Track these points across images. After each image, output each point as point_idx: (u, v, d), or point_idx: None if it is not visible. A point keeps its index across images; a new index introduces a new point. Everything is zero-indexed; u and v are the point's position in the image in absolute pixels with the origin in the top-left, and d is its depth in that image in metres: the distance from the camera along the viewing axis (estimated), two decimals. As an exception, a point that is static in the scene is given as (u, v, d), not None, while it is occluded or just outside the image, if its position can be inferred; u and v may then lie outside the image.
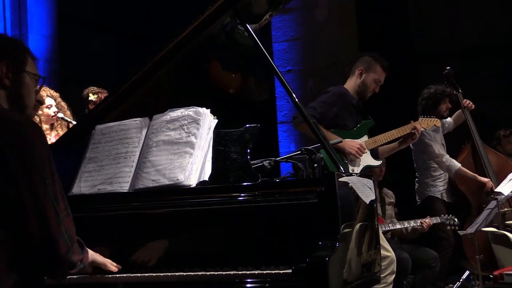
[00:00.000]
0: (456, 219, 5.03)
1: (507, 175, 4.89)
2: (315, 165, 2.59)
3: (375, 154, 4.27)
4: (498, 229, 4.73)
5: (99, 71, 7.62)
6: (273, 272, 2.16)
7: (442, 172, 5.46)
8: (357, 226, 2.36)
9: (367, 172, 4.02)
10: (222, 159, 2.51)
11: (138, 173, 2.54)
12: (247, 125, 2.53)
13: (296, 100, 2.66)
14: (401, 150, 4.51)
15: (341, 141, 3.81)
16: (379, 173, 5.14)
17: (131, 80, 2.88)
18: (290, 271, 2.12)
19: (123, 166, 2.59)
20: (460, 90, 5.52)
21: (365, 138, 4.20)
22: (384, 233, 4.68)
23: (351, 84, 4.32)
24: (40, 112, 4.66)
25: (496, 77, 7.32)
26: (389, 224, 4.98)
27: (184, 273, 2.27)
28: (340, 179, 2.27)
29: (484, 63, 7.30)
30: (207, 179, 2.46)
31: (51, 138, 4.78)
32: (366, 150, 4.12)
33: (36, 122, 4.51)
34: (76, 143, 2.93)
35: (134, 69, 2.90)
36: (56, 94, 4.89)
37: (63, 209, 1.97)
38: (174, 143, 2.55)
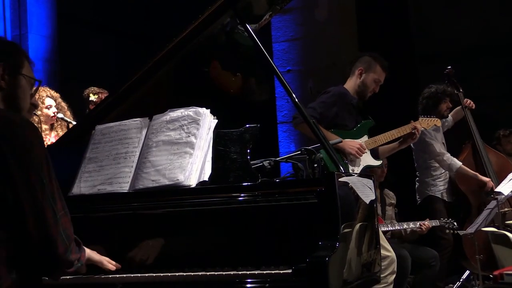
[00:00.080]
0: (455, 223, 5.03)
1: (507, 175, 4.89)
2: (315, 165, 2.59)
3: (375, 154, 4.27)
4: (498, 229, 4.73)
5: (99, 71, 7.62)
6: (273, 272, 2.16)
7: (443, 171, 5.46)
8: (357, 226, 2.36)
9: (367, 172, 4.02)
10: (222, 159, 2.51)
11: (138, 173, 2.54)
12: (247, 125, 2.53)
13: (296, 100, 2.66)
14: (401, 150, 4.51)
15: (341, 141, 3.81)
16: (380, 174, 5.14)
17: (131, 80, 2.88)
18: (290, 271, 2.12)
19: (123, 166, 2.59)
20: (461, 90, 5.52)
21: (365, 138, 4.20)
22: (383, 233, 4.67)
23: (351, 84, 4.32)
24: (39, 112, 4.66)
25: (496, 77, 7.32)
26: (388, 225, 4.98)
27: (184, 273, 2.27)
28: (340, 179, 2.27)
29: (484, 63, 7.30)
30: (207, 179, 2.46)
31: (51, 138, 4.78)
32: (366, 150, 4.12)
33: (36, 122, 4.53)
34: (76, 143, 2.94)
35: (134, 69, 2.90)
36: (56, 95, 4.88)
37: (60, 208, 1.98)
38: (174, 143, 2.55)
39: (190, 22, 2.79)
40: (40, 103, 4.70)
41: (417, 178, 5.62)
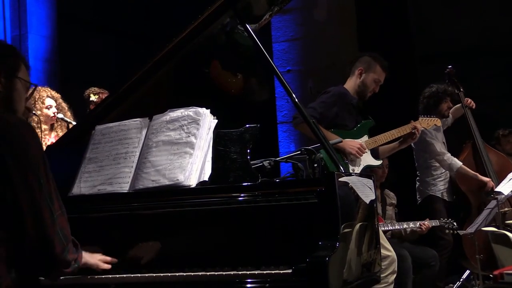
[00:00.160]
0: (455, 223, 5.03)
1: (507, 174, 4.89)
2: (315, 165, 2.59)
3: (375, 154, 4.27)
4: (498, 229, 4.73)
5: (99, 71, 7.62)
6: (273, 272, 2.16)
7: (443, 171, 5.46)
8: (357, 226, 2.36)
9: (367, 172, 4.02)
10: (222, 159, 2.51)
11: (138, 174, 2.54)
12: (247, 125, 2.53)
13: (296, 100, 2.66)
14: (402, 149, 4.51)
15: (341, 141, 3.81)
16: (381, 174, 5.14)
17: (131, 80, 2.89)
18: (290, 271, 2.12)
19: (123, 166, 2.59)
20: (461, 89, 5.52)
21: (365, 138, 4.20)
22: (384, 233, 4.68)
23: (351, 84, 4.32)
24: (39, 112, 4.67)
25: (496, 77, 7.32)
26: (389, 225, 4.98)
27: (184, 273, 2.27)
28: (340, 179, 2.27)
29: (484, 63, 7.30)
30: (207, 179, 2.46)
31: (51, 138, 4.78)
32: (367, 150, 4.12)
33: (36, 122, 4.53)
34: (76, 143, 2.94)
35: (134, 69, 2.90)
36: (57, 95, 4.89)
37: (57, 208, 1.99)
38: (174, 143, 2.55)
39: (190, 22, 2.79)
40: (40, 103, 4.71)
41: (418, 178, 5.62)
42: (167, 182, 2.46)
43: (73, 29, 7.78)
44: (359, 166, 4.08)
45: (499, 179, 5.12)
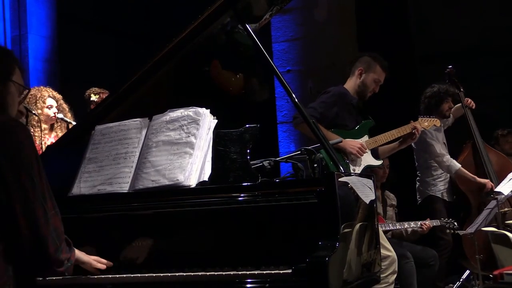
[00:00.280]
0: (455, 223, 5.03)
1: (507, 174, 4.89)
2: (315, 165, 2.59)
3: (375, 154, 4.27)
4: (498, 229, 4.73)
5: (99, 71, 7.62)
6: (273, 272, 2.16)
7: (443, 171, 5.46)
8: (357, 226, 2.36)
9: (368, 172, 4.02)
10: (222, 159, 2.51)
11: (138, 174, 2.54)
12: (247, 125, 2.53)
13: (296, 100, 2.66)
14: (402, 150, 4.51)
15: (341, 141, 3.82)
16: (382, 174, 5.15)
17: (131, 80, 2.88)
18: (290, 271, 2.12)
19: (123, 166, 2.59)
20: (461, 89, 5.52)
21: (365, 138, 4.20)
22: (384, 233, 4.68)
23: (351, 84, 4.32)
24: (40, 111, 4.68)
25: (496, 77, 7.32)
26: (389, 224, 4.99)
27: (184, 273, 2.27)
28: (340, 179, 2.27)
29: (484, 63, 7.30)
30: (207, 180, 2.46)
31: (50, 138, 4.79)
32: (367, 150, 4.12)
33: (36, 121, 4.54)
34: (76, 144, 2.94)
35: (134, 69, 2.90)
36: (59, 96, 4.90)
37: (51, 208, 2.01)
38: (173, 143, 2.55)
39: (190, 22, 2.79)
40: (41, 102, 4.72)
41: (418, 178, 5.62)
42: (167, 182, 2.46)
43: (73, 29, 7.78)
44: (360, 166, 4.08)
45: (499, 179, 5.12)
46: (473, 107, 5.53)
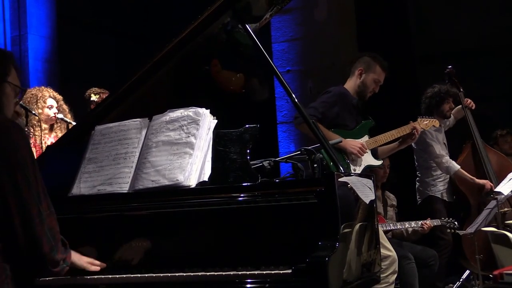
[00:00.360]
0: (456, 223, 5.04)
1: (507, 174, 4.89)
2: (315, 165, 2.59)
3: (375, 154, 4.27)
4: (498, 229, 4.73)
5: (99, 72, 7.62)
6: (273, 272, 2.16)
7: (442, 172, 5.46)
8: (357, 226, 2.36)
9: (368, 172, 4.02)
10: (221, 159, 2.51)
11: (138, 174, 2.54)
12: (247, 126, 2.53)
13: (296, 100, 2.66)
14: (402, 150, 4.51)
15: (341, 141, 3.82)
16: (383, 174, 5.15)
17: (131, 81, 2.88)
18: (290, 271, 2.12)
19: (123, 166, 2.59)
20: (461, 89, 5.52)
21: (365, 138, 4.20)
22: (385, 233, 4.68)
23: (351, 84, 4.32)
24: (40, 111, 4.69)
25: (496, 77, 7.32)
26: (390, 224, 4.99)
27: (184, 273, 2.27)
28: (339, 179, 2.27)
29: (484, 63, 7.30)
30: (206, 180, 2.46)
31: (50, 138, 4.79)
32: (367, 150, 4.12)
33: (36, 120, 4.55)
34: (75, 144, 2.94)
35: (133, 69, 2.90)
36: (59, 97, 4.92)
37: (46, 208, 2.02)
38: (173, 143, 2.55)
39: (190, 22, 2.79)
40: (42, 102, 4.73)
41: (418, 178, 5.63)
42: (167, 182, 2.46)
43: (73, 30, 7.78)
44: (360, 166, 4.08)
45: (499, 179, 5.13)
46: (473, 107, 5.54)
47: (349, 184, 2.37)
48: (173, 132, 2.57)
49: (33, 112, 4.58)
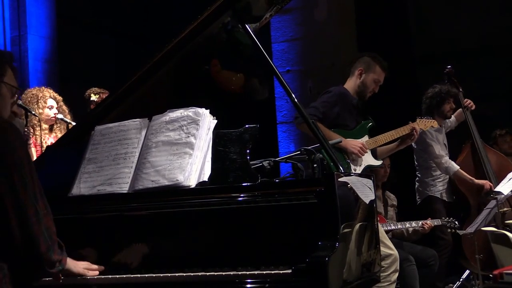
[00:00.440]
0: (456, 222, 5.04)
1: (507, 174, 4.89)
2: (315, 165, 2.59)
3: (375, 154, 4.27)
4: (498, 229, 4.73)
5: (99, 72, 7.62)
6: (273, 272, 2.16)
7: (441, 172, 5.46)
8: (357, 226, 2.36)
9: (368, 172, 4.02)
10: (221, 159, 2.51)
11: (138, 174, 2.54)
12: (247, 126, 2.53)
13: (296, 100, 2.66)
14: (402, 150, 4.51)
15: (341, 141, 3.82)
16: (383, 174, 5.15)
17: (131, 81, 2.88)
18: (290, 271, 2.12)
19: (123, 167, 2.59)
20: (461, 90, 5.52)
21: (365, 138, 4.20)
22: (386, 233, 4.68)
23: (350, 85, 4.32)
24: (40, 111, 4.70)
25: (496, 77, 7.32)
26: (391, 224, 4.99)
27: (184, 273, 2.27)
28: (339, 179, 2.27)
29: (484, 63, 7.30)
30: (206, 180, 2.46)
31: (50, 138, 4.80)
32: (368, 150, 4.12)
33: (36, 120, 4.55)
34: (75, 144, 2.94)
35: (133, 69, 2.90)
36: (59, 98, 4.93)
37: (42, 207, 2.02)
38: (173, 143, 2.55)
39: (190, 22, 2.79)
40: (42, 102, 4.74)
41: (417, 178, 5.63)
42: (166, 183, 2.46)
43: (73, 30, 7.78)
44: (360, 166, 4.08)
45: (499, 179, 5.13)
46: (473, 107, 5.53)
47: (349, 184, 2.38)
48: (173, 132, 2.57)
49: (33, 112, 4.58)
